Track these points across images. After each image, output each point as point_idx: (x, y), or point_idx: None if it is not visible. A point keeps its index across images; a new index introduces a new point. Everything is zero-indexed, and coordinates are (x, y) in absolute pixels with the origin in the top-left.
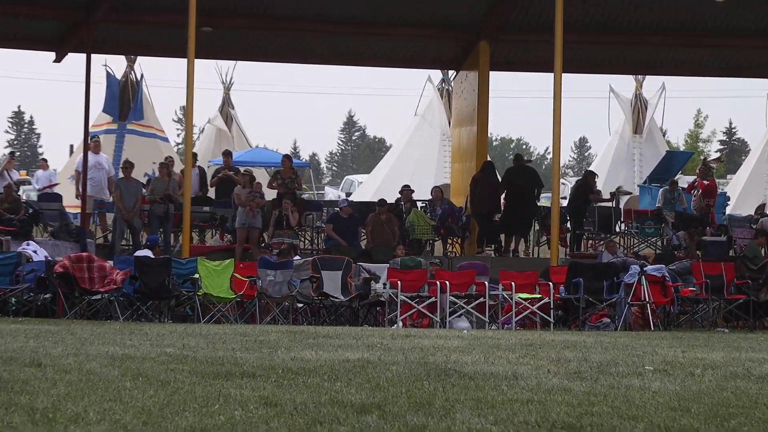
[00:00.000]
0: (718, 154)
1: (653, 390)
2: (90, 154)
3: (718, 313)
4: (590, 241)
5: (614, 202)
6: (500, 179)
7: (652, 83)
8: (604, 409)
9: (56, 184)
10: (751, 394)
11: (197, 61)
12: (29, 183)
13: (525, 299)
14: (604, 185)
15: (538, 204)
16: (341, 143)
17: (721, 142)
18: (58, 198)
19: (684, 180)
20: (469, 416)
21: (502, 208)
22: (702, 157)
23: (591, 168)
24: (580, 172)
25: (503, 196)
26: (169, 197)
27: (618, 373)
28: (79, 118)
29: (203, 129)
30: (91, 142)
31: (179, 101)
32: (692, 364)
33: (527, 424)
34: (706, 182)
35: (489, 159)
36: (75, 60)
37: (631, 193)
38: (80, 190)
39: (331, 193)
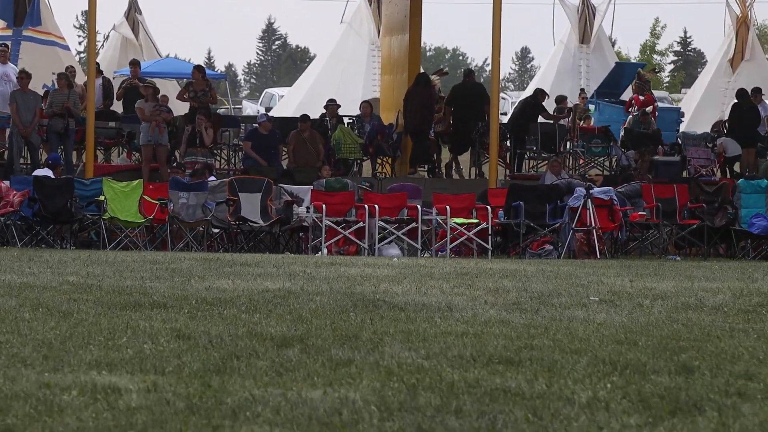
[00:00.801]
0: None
1: (598, 322)
2: None
3: (669, 240)
4: (532, 161)
5: (569, 120)
6: (442, 95)
7: None
8: (545, 343)
9: None
10: (704, 325)
11: None
12: None
13: (461, 224)
14: (547, 101)
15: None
16: (260, 53)
17: (676, 53)
18: None
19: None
20: (399, 350)
21: (448, 125)
22: (637, 70)
23: (534, 81)
24: (521, 86)
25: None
26: (69, 111)
27: (560, 304)
28: None
29: (108, 36)
30: None
31: (81, 5)
32: (641, 294)
33: (462, 358)
34: (642, 98)
35: (422, 71)
36: None
37: (590, 115)
38: None
39: (249, 108)
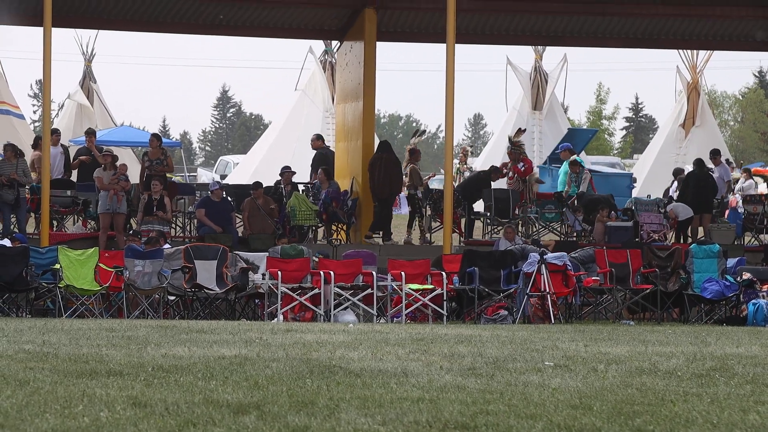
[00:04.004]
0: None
1: (553, 387)
2: None
3: (623, 305)
4: (486, 227)
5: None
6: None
7: (552, 55)
8: (501, 408)
9: None
10: (658, 390)
11: (54, 30)
12: None
13: (416, 290)
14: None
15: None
16: (215, 121)
17: (627, 119)
18: None
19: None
20: (355, 416)
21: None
22: (507, 136)
23: (488, 147)
24: (475, 152)
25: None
26: (15, 180)
27: (516, 369)
28: None
29: (63, 105)
30: None
31: (35, 74)
32: (595, 359)
33: (417, 423)
34: (520, 165)
35: (384, 139)
36: None
37: (543, 182)
38: None
39: (204, 176)
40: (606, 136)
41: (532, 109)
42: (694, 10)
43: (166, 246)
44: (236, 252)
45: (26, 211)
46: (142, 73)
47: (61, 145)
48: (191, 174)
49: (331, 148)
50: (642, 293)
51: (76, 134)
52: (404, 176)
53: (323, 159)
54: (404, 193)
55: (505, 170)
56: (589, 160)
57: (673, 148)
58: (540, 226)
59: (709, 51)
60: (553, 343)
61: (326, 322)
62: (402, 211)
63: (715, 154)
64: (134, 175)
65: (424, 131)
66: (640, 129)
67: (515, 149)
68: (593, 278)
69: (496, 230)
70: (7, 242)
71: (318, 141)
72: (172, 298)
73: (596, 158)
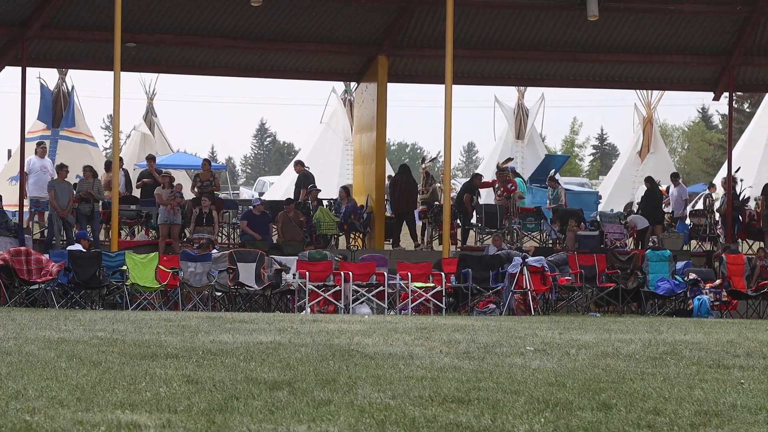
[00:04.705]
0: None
1: (533, 368)
2: (36, 158)
3: (590, 300)
4: (478, 236)
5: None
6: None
7: (532, 94)
8: (490, 385)
9: None
10: (620, 370)
11: (123, 74)
12: None
13: (420, 288)
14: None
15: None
16: (254, 148)
17: (594, 146)
18: None
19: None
20: (370, 391)
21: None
22: (496, 163)
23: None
24: (468, 174)
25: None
26: (91, 196)
27: (502, 353)
28: (16, 125)
29: (129, 135)
30: (38, 147)
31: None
32: (568, 344)
33: (421, 398)
34: (510, 186)
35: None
36: (11, 72)
37: (524, 198)
38: (26, 190)
39: (245, 193)
40: (577, 160)
41: (516, 139)
42: (648, 57)
43: (214, 251)
44: (272, 256)
45: (99, 222)
46: (194, 109)
47: (123, 168)
48: (234, 192)
49: (309, 170)
50: (606, 290)
51: (140, 159)
52: (422, 193)
53: (304, 179)
54: (419, 208)
55: (495, 189)
56: (563, 180)
57: (632, 170)
58: (522, 235)
59: (661, 91)
60: (533, 331)
61: (346, 314)
62: (417, 223)
63: (674, 176)
64: (187, 193)
65: (435, 157)
66: (605, 155)
67: (501, 173)
68: (566, 278)
69: (486, 238)
70: (80, 247)
71: (299, 165)
72: (219, 294)
73: (568, 179)
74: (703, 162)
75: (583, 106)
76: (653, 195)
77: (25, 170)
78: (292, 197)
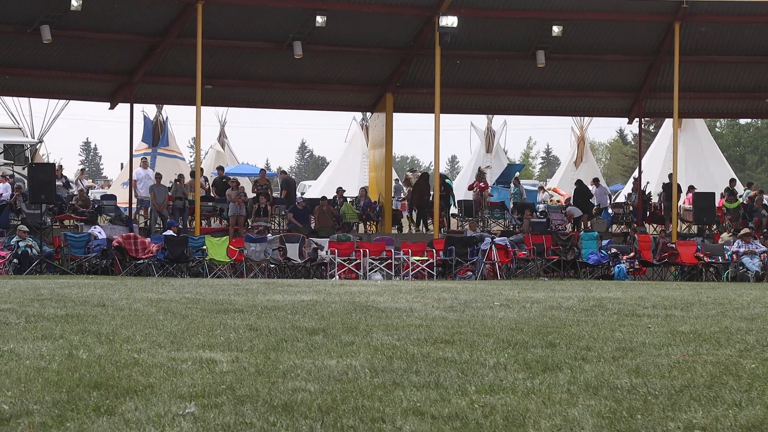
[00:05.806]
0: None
1: (499, 317)
2: (141, 169)
3: (541, 268)
4: (459, 222)
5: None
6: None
7: (498, 120)
8: (468, 330)
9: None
10: (562, 319)
11: (203, 108)
12: (93, 188)
13: (417, 260)
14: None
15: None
16: (297, 160)
17: (543, 158)
18: (113, 198)
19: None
20: (382, 336)
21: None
22: (478, 168)
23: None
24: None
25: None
26: (184, 195)
27: (477, 306)
28: (126, 144)
29: (207, 152)
30: (141, 161)
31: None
32: (524, 300)
33: (419, 339)
34: (482, 184)
35: (423, 171)
36: (123, 107)
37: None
38: (135, 192)
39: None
40: (530, 168)
41: (486, 152)
42: (581, 93)
43: (269, 235)
44: (311, 238)
45: (187, 214)
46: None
47: (204, 176)
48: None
49: (292, 176)
50: (552, 261)
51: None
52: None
53: (286, 184)
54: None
55: (472, 187)
56: (522, 182)
57: (569, 175)
58: (491, 222)
59: (590, 117)
60: (499, 291)
61: (364, 279)
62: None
63: (595, 180)
64: (249, 193)
65: (415, 170)
66: (550, 164)
67: (480, 175)
68: (523, 252)
69: (465, 224)
70: (170, 232)
71: (283, 174)
72: (273, 266)
73: (525, 181)
74: (621, 168)
75: (535, 129)
76: (583, 192)
77: (133, 178)
78: (325, 196)
